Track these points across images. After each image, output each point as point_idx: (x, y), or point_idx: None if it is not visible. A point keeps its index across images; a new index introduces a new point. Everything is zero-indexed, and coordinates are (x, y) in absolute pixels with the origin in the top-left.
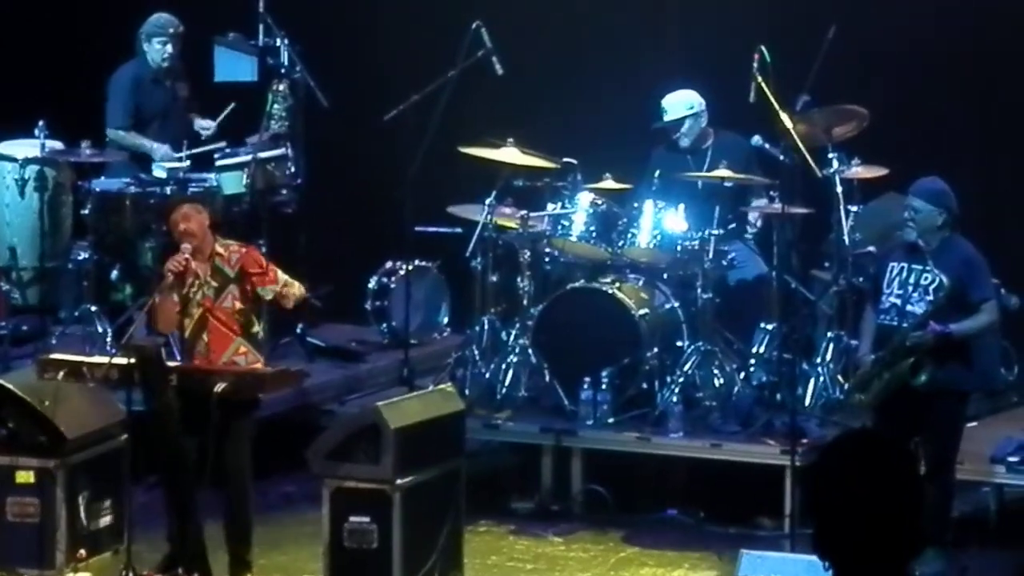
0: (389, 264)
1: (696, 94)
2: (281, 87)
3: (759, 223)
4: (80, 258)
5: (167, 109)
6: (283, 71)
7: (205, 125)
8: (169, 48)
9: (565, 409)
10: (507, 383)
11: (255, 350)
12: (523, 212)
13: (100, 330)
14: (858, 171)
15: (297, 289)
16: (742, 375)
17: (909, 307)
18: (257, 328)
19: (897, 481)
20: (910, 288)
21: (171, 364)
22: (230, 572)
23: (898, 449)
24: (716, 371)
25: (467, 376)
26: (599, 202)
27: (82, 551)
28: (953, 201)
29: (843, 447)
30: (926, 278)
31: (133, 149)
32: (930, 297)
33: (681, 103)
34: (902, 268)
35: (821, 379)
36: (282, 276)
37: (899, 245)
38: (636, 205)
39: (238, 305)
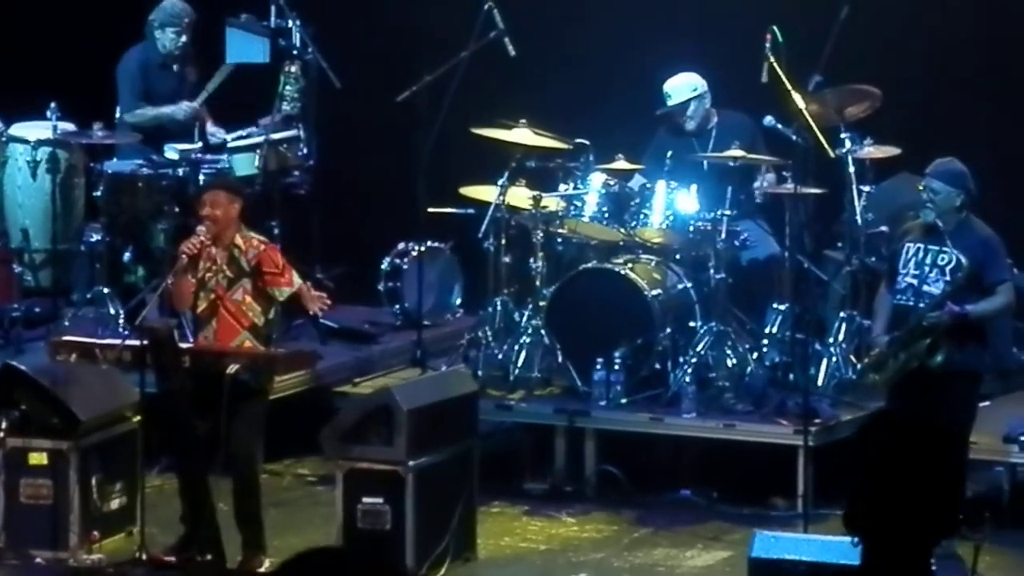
0: (402, 245)
1: (697, 76)
2: (293, 68)
3: (761, 199)
4: (92, 240)
5: (176, 93)
6: (295, 52)
7: (216, 133)
8: (183, 38)
9: (578, 390)
10: (520, 364)
11: (263, 347)
12: (536, 193)
13: (113, 312)
14: (870, 151)
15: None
16: (755, 355)
17: (926, 287)
18: (265, 324)
19: (941, 464)
20: (926, 268)
21: (184, 346)
22: (243, 554)
23: (944, 433)
24: (729, 351)
25: (480, 357)
26: (611, 183)
27: (95, 533)
28: (971, 182)
29: (883, 428)
30: (943, 258)
31: (157, 121)
32: (947, 277)
33: (684, 86)
34: (918, 248)
35: (834, 359)
36: (297, 279)
37: (916, 226)
38: (648, 185)
39: (248, 299)
